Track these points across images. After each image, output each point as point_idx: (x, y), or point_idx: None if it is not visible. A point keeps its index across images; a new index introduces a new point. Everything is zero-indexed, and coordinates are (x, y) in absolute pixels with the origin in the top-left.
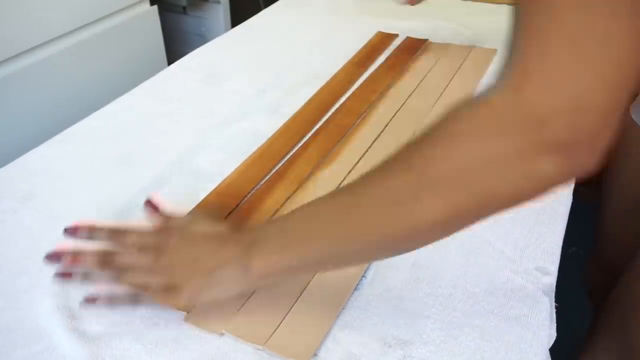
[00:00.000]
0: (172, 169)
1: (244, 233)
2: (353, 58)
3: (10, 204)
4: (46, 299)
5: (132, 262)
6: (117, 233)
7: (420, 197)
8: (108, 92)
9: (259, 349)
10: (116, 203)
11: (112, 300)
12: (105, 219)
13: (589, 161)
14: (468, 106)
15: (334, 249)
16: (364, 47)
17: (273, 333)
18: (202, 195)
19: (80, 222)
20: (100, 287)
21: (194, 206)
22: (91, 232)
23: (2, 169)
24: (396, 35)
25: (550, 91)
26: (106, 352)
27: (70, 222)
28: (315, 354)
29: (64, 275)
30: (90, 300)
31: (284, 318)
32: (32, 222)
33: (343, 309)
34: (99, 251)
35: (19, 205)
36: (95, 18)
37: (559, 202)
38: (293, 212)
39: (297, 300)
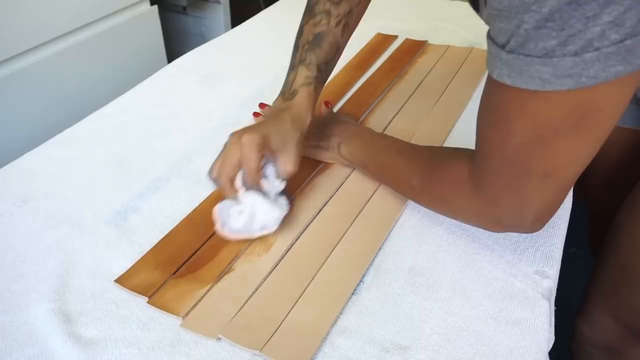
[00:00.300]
0: (170, 171)
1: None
2: (352, 60)
3: (6, 207)
4: (42, 303)
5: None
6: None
7: (415, 197)
8: (108, 92)
9: (256, 354)
10: (113, 206)
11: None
12: (102, 222)
13: (533, 230)
14: (466, 163)
15: (381, 174)
16: (363, 48)
17: (270, 338)
18: (202, 196)
19: None
20: None
21: None
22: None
23: (1, 170)
24: (395, 37)
25: (490, 204)
26: (102, 356)
27: (67, 225)
28: (312, 359)
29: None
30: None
31: (280, 323)
32: (29, 225)
33: (340, 313)
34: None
35: (15, 208)
36: (95, 18)
37: None
38: (377, 138)
39: (294, 305)
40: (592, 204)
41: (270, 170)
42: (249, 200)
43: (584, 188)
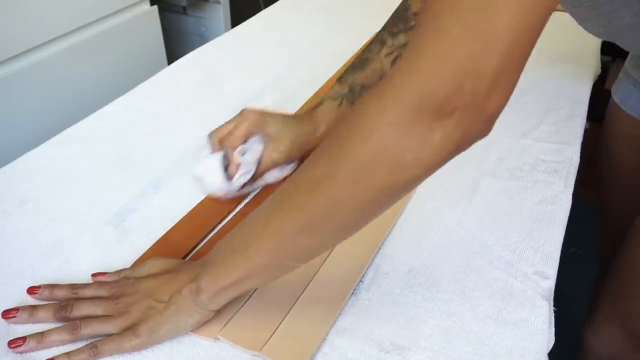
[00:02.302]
0: (171, 170)
1: (195, 262)
2: (352, 59)
3: (7, 206)
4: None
5: (90, 311)
6: (75, 287)
7: (337, 178)
8: (108, 92)
9: (255, 355)
10: (114, 205)
11: (71, 359)
12: (102, 222)
13: (480, 125)
14: (376, 86)
15: (271, 243)
16: (361, 49)
17: (269, 338)
18: (202, 196)
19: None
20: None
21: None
22: (51, 290)
23: (0, 170)
24: None
25: (439, 60)
26: (101, 358)
27: (67, 225)
28: None
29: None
30: None
31: (280, 323)
32: (30, 224)
33: (340, 314)
34: (56, 303)
35: (17, 207)
36: (95, 18)
37: (558, 205)
38: (235, 227)
39: (293, 306)
40: (607, 204)
41: (256, 146)
42: (213, 159)
43: (600, 192)
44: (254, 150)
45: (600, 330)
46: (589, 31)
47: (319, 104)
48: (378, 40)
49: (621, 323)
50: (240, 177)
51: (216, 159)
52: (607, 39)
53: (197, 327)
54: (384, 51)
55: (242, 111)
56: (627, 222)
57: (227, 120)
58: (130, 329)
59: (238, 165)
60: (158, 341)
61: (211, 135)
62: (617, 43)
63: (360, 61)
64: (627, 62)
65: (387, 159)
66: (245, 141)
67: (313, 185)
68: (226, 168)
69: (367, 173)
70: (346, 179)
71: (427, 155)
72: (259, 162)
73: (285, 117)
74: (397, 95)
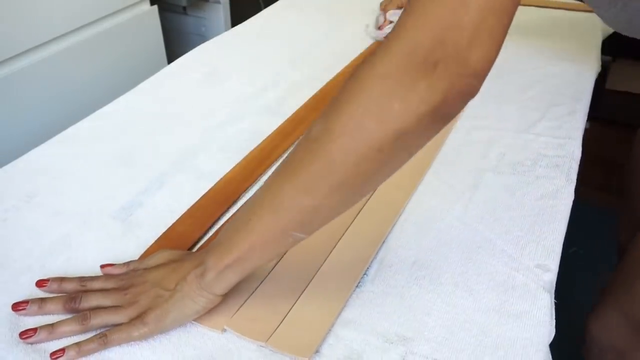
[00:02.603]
0: (172, 169)
1: (201, 251)
2: (354, 61)
3: (12, 203)
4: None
5: (98, 302)
6: (83, 280)
7: (332, 134)
8: (108, 92)
9: (262, 346)
10: (117, 202)
11: (81, 348)
12: (108, 217)
13: (465, 79)
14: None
15: (271, 210)
16: (367, 48)
17: (275, 330)
18: (206, 191)
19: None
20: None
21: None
22: (60, 283)
23: (4, 168)
24: None
25: (423, 17)
26: (109, 348)
27: (72, 222)
28: (317, 351)
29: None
30: (57, 354)
31: (286, 315)
32: (34, 221)
33: (345, 306)
34: (65, 295)
35: (21, 204)
36: (95, 18)
37: (559, 200)
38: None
39: (299, 297)
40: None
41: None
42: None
43: (625, 192)
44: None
45: (605, 321)
46: (610, 24)
47: None
48: None
49: (624, 313)
50: (387, 29)
51: (374, 15)
52: (631, 34)
53: (205, 318)
54: None
55: None
56: None
57: (227, 120)
58: (138, 318)
59: (389, 22)
60: (165, 329)
61: (382, 2)
62: (630, 34)
63: None
64: None
65: (375, 109)
66: (399, 9)
67: (309, 145)
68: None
69: (357, 125)
70: (339, 133)
71: (415, 104)
72: None
73: None
74: (386, 50)
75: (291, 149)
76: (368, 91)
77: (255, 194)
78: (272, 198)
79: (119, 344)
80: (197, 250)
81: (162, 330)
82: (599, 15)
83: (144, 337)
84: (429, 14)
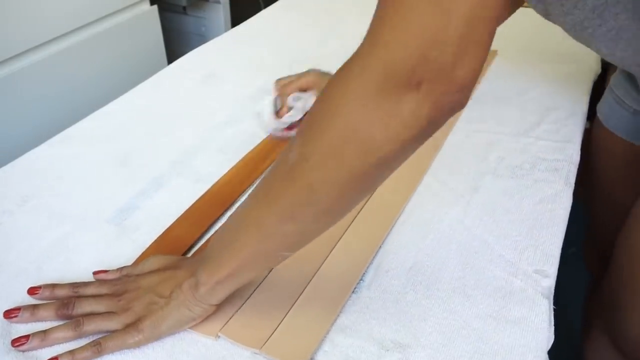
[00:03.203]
0: (171, 169)
1: (194, 257)
2: None
3: (9, 205)
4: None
5: (92, 308)
6: (76, 286)
7: (310, 161)
8: (108, 92)
9: (256, 353)
10: (115, 204)
11: (74, 356)
12: (104, 220)
13: (451, 96)
14: (344, 64)
15: (256, 235)
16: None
17: (270, 336)
18: (201, 193)
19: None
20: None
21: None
22: (52, 289)
23: (2, 168)
24: None
25: (402, 32)
26: (104, 355)
27: (68, 224)
28: (312, 358)
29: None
30: None
31: (281, 321)
32: (31, 223)
33: (340, 312)
34: (58, 302)
35: (18, 206)
36: (95, 18)
37: (558, 204)
38: (226, 220)
39: (294, 304)
40: (594, 217)
41: (309, 98)
42: (268, 100)
43: (587, 199)
44: (305, 100)
45: (598, 347)
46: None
47: None
48: None
49: (613, 342)
50: (288, 117)
51: (268, 99)
52: (574, 37)
53: (199, 325)
54: None
55: (308, 70)
56: (612, 236)
57: (226, 121)
58: (132, 325)
59: (289, 109)
60: (160, 336)
61: (276, 81)
62: (582, 42)
63: None
64: (612, 79)
65: (355, 139)
66: (301, 92)
67: (288, 171)
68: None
69: (337, 155)
70: (318, 162)
71: (398, 131)
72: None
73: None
74: (362, 69)
75: (268, 172)
76: (345, 116)
77: (238, 212)
78: (256, 225)
79: (113, 351)
80: (192, 255)
81: (157, 337)
82: (554, 20)
83: (138, 345)
84: (409, 27)
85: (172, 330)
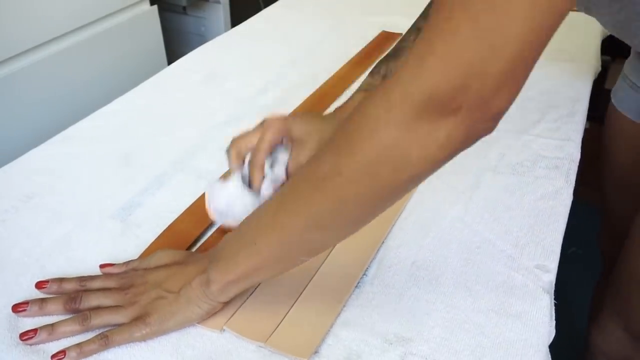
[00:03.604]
0: (172, 169)
1: (204, 254)
2: (354, 57)
3: (11, 204)
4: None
5: (99, 302)
6: (83, 280)
7: (343, 175)
8: (108, 92)
9: (261, 346)
10: (116, 203)
11: (82, 349)
12: (107, 217)
13: (485, 123)
14: (382, 82)
15: (279, 240)
16: (367, 46)
17: (274, 330)
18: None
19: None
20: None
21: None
22: (59, 283)
23: (3, 168)
24: (400, 35)
25: (448, 60)
26: (111, 348)
27: (71, 222)
28: (316, 351)
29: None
30: (58, 356)
31: (285, 315)
32: (33, 222)
33: (344, 306)
34: (65, 295)
35: (20, 204)
36: (95, 18)
37: (558, 201)
38: (243, 221)
39: (298, 298)
40: (607, 203)
41: (283, 156)
42: (234, 182)
43: (600, 191)
44: (281, 162)
45: (606, 330)
46: (599, 20)
47: (350, 98)
48: (414, 28)
49: (624, 325)
50: (268, 190)
51: (236, 187)
52: (613, 31)
53: (205, 319)
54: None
55: (264, 121)
56: (627, 220)
57: (227, 120)
58: (140, 319)
59: (262, 179)
60: (167, 331)
61: (229, 149)
62: (621, 37)
63: (394, 50)
64: (625, 64)
65: (393, 157)
66: (270, 153)
67: (320, 182)
68: (249, 184)
69: (372, 171)
70: (352, 177)
71: (432, 152)
72: (287, 171)
73: (309, 118)
74: (404, 92)
75: (295, 178)
76: (384, 136)
77: (259, 215)
78: (280, 229)
79: (120, 344)
80: (198, 250)
81: (164, 332)
82: (596, 15)
83: (145, 338)
84: (455, 58)
85: (180, 326)
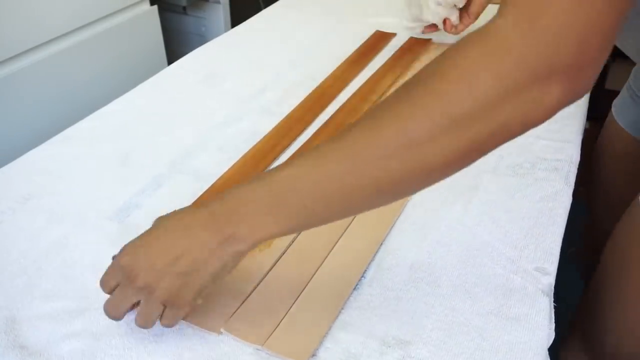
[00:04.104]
0: (171, 169)
1: (208, 208)
2: (350, 57)
3: (9, 204)
4: (44, 300)
5: (125, 305)
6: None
7: (437, 137)
8: (108, 92)
9: (258, 349)
10: (114, 204)
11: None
12: (105, 218)
13: (589, 82)
14: (476, 39)
15: (336, 197)
16: (361, 46)
17: (272, 333)
18: (202, 192)
19: None
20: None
21: None
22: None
23: (2, 169)
24: (394, 35)
25: (563, 16)
26: (105, 350)
27: (68, 223)
28: (314, 354)
29: None
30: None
31: (283, 318)
32: (32, 222)
33: (342, 309)
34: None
35: (18, 205)
36: (95, 18)
37: (558, 203)
38: (275, 170)
39: (296, 300)
40: (594, 221)
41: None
42: None
43: (588, 202)
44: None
45: (573, 354)
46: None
47: None
48: None
49: (592, 347)
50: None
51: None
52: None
53: (202, 320)
54: None
55: None
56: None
57: (226, 120)
58: (169, 309)
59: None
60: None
61: None
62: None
63: None
64: (632, 74)
65: (493, 125)
66: None
67: (407, 145)
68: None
69: (467, 137)
70: (445, 143)
71: (536, 118)
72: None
73: None
74: (519, 58)
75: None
76: (485, 98)
77: (302, 166)
78: (352, 155)
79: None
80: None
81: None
82: None
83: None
84: (572, 17)
85: (212, 292)
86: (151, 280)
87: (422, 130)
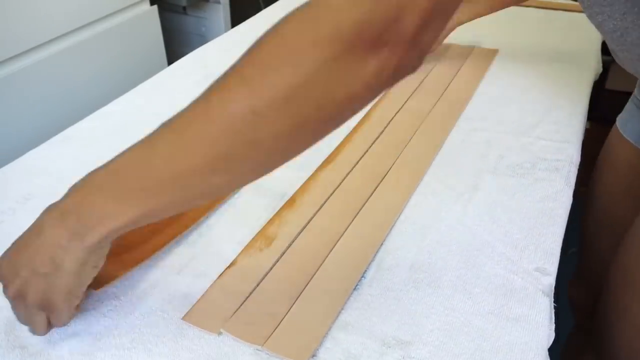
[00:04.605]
0: None
1: (57, 206)
2: None
3: (9, 205)
4: None
5: (29, 320)
6: None
7: (261, 112)
8: (108, 92)
9: (258, 349)
10: None
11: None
12: None
13: (412, 60)
14: (301, 7)
15: (174, 185)
16: None
17: (272, 333)
18: None
19: None
20: None
21: None
22: None
23: (2, 169)
24: None
25: None
26: (105, 351)
27: None
28: (314, 354)
29: None
30: None
31: (282, 318)
32: (32, 223)
33: (342, 309)
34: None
35: (18, 205)
36: (95, 18)
37: (558, 203)
38: (115, 157)
39: (296, 300)
40: (587, 242)
41: None
42: None
43: (581, 220)
44: None
45: None
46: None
47: None
48: None
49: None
50: None
51: None
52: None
53: (201, 321)
54: None
55: None
56: (603, 266)
57: None
58: (46, 312)
59: None
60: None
61: None
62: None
63: None
64: (636, 87)
65: (317, 95)
66: None
67: (231, 120)
68: None
69: (293, 110)
70: (270, 116)
71: (358, 89)
72: None
73: None
74: (335, 24)
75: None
76: (307, 71)
77: (142, 153)
78: (176, 175)
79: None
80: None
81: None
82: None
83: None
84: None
85: (68, 295)
86: (19, 287)
87: (243, 104)
